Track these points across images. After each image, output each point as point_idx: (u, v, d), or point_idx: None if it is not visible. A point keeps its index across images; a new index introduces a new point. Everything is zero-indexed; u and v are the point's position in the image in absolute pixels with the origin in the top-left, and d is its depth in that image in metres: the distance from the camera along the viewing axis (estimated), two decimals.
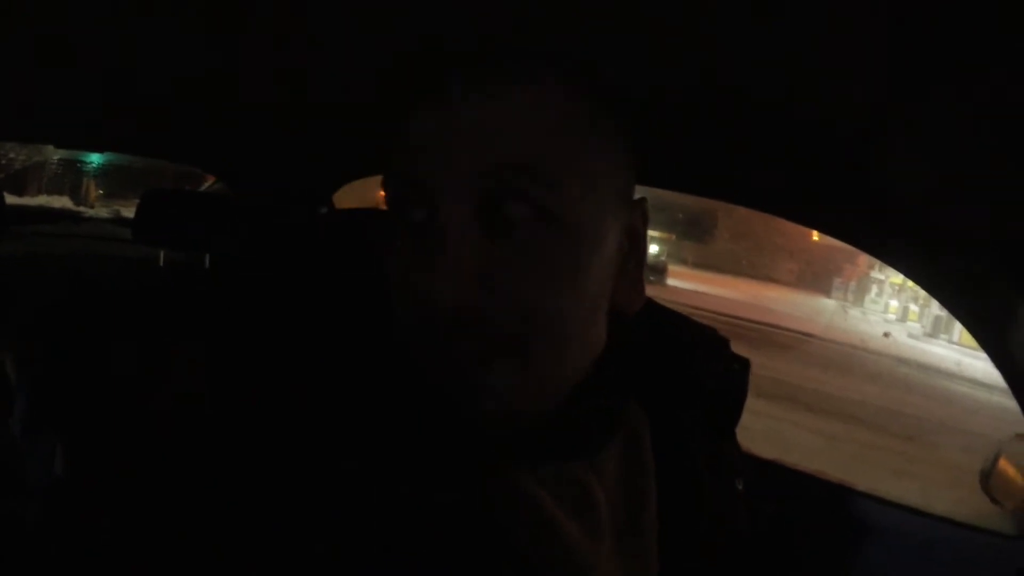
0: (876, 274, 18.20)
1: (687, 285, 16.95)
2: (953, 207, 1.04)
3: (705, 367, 0.80)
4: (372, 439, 0.63)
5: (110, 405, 1.37)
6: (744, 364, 0.82)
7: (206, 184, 3.12)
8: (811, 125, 0.97)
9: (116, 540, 0.66)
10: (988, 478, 1.42)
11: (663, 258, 20.49)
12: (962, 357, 10.45)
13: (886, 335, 14.15)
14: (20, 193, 6.07)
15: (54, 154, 6.71)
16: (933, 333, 14.10)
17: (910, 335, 14.48)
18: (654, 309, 0.81)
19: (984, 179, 0.92)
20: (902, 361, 11.24)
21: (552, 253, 0.61)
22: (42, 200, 5.85)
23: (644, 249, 0.73)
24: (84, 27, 1.19)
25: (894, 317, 17.12)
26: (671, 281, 17.61)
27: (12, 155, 6.57)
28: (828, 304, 17.98)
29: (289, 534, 0.58)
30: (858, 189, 1.11)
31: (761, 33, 0.76)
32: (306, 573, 0.58)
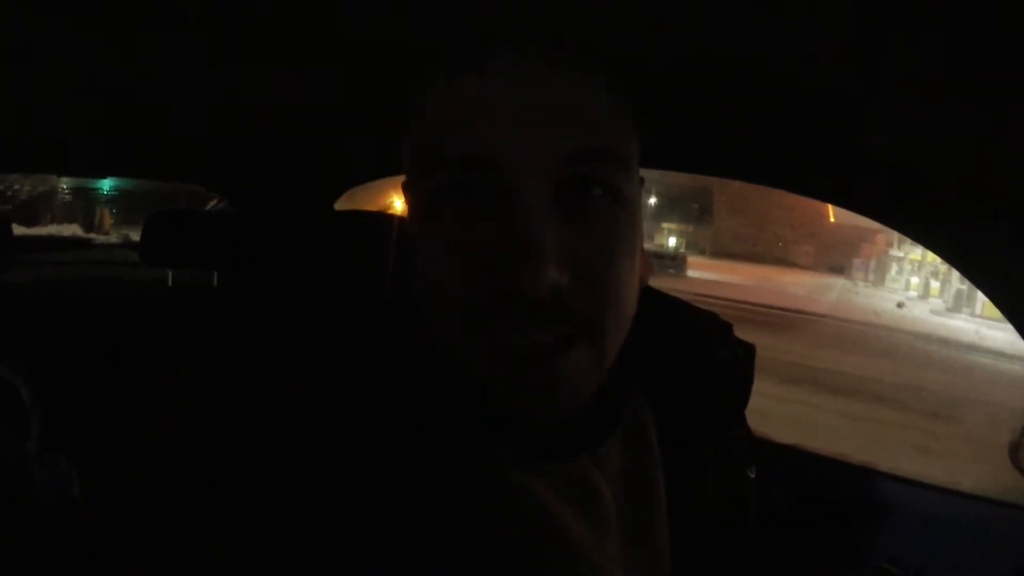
0: (895, 252, 18.10)
1: (708, 275, 16.92)
2: (963, 170, 1.02)
3: (709, 353, 0.78)
4: (372, 440, 0.62)
5: (119, 421, 1.37)
6: (749, 349, 0.81)
7: (211, 204, 3.12)
8: (808, 90, 0.96)
9: (121, 543, 0.67)
10: (1018, 449, 1.39)
11: (682, 250, 20.46)
12: (980, 328, 10.37)
13: (900, 305, 14.14)
14: (31, 223, 6.13)
15: (60, 182, 6.78)
16: (955, 308, 13.98)
17: (932, 311, 14.39)
18: (653, 296, 0.79)
19: (990, 140, 0.90)
20: (923, 337, 11.16)
21: (619, 231, 0.62)
22: (52, 229, 5.91)
23: None
24: (79, 55, 1.19)
25: (916, 294, 17.02)
26: (692, 272, 17.59)
27: (17, 186, 6.63)
28: (848, 285, 17.91)
29: (289, 534, 0.58)
30: (864, 155, 1.10)
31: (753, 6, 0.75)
32: (306, 573, 0.57)
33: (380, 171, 2.12)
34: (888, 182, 1.14)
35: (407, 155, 0.68)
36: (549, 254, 0.56)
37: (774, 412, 5.48)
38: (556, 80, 0.62)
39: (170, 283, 2.34)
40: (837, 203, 1.33)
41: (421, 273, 0.64)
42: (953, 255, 1.20)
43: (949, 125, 0.92)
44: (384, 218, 1.27)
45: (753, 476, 0.81)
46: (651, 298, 0.77)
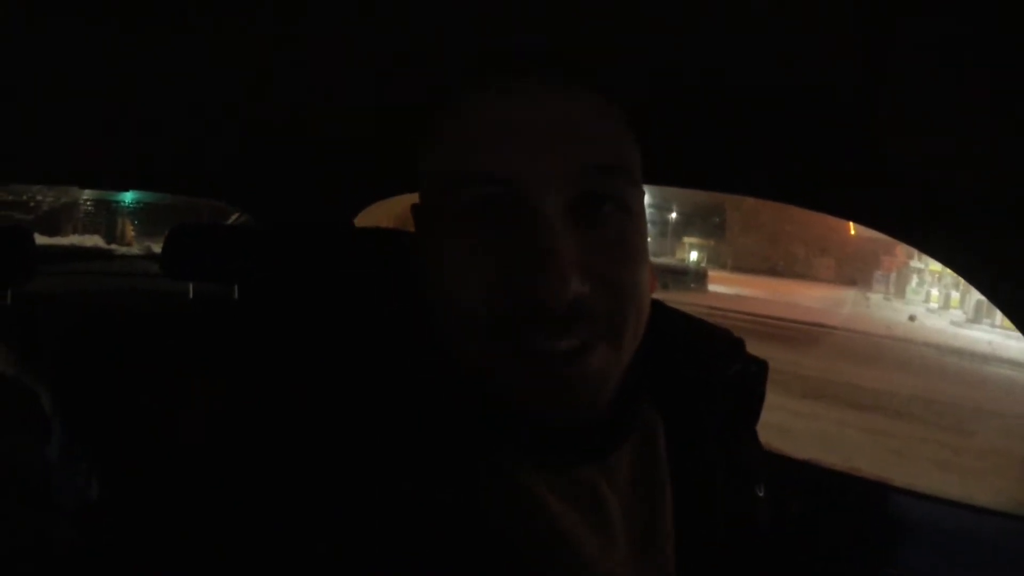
0: (915, 263, 17.94)
1: (728, 290, 16.83)
2: (964, 176, 1.02)
3: (720, 369, 0.79)
4: (378, 442, 0.63)
5: (138, 432, 1.39)
6: (762, 365, 0.81)
7: (232, 218, 3.14)
8: (806, 100, 0.96)
9: (137, 546, 0.68)
10: None
11: (703, 264, 20.36)
12: (997, 339, 10.27)
13: (912, 319, 14.09)
14: (52, 234, 6.19)
15: (82, 194, 6.84)
16: (975, 319, 13.88)
17: (952, 322, 14.28)
18: (664, 311, 0.80)
19: (992, 144, 0.90)
20: (939, 348, 11.07)
21: (631, 240, 0.64)
22: (74, 240, 5.96)
23: None
24: (104, 69, 1.21)
25: (936, 306, 16.88)
26: (712, 287, 17.49)
27: (40, 197, 6.71)
28: (860, 298, 17.77)
29: (295, 535, 0.58)
30: (864, 164, 1.10)
31: (750, 21, 0.76)
32: (309, 573, 0.58)
33: (399, 188, 2.13)
34: (887, 191, 1.14)
35: (423, 176, 0.70)
36: (569, 265, 0.58)
37: (795, 427, 5.45)
38: (564, 99, 0.64)
39: (191, 295, 2.37)
40: (837, 214, 1.33)
41: (437, 286, 0.65)
42: (955, 261, 1.20)
43: (950, 131, 0.92)
44: (403, 235, 1.29)
45: (762, 494, 0.81)
46: (659, 312, 0.77)
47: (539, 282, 0.57)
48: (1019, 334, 1.20)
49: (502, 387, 0.62)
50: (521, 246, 0.59)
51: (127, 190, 2.87)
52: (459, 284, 0.63)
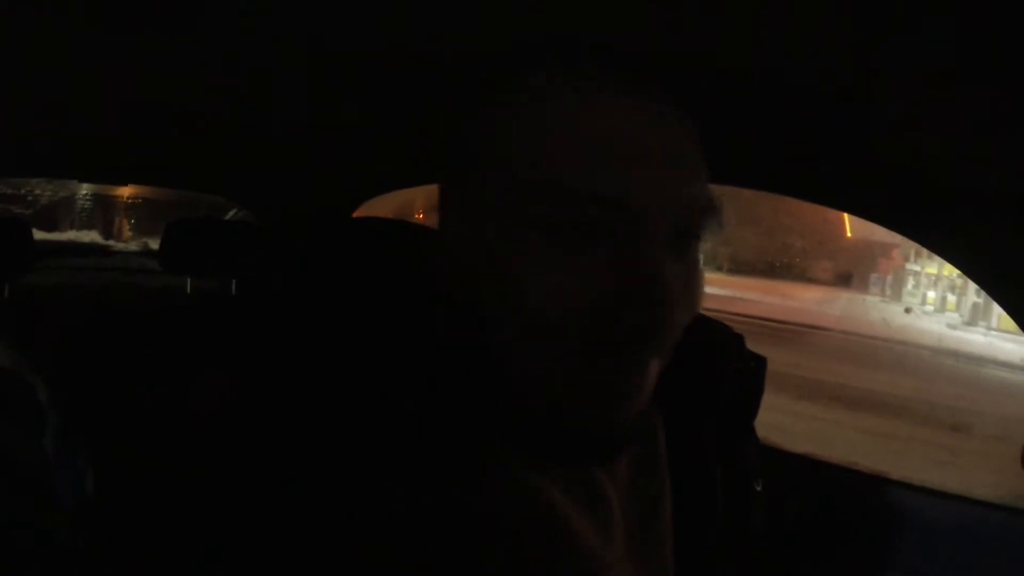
0: (912, 266, 17.94)
1: (724, 291, 16.87)
2: (963, 169, 1.02)
3: (720, 365, 0.79)
4: (386, 440, 0.62)
5: (136, 426, 1.38)
6: (761, 362, 0.81)
7: (231, 213, 3.15)
8: (805, 90, 0.96)
9: (135, 542, 0.67)
10: None
11: (702, 267, 20.33)
12: (993, 340, 10.29)
13: (908, 310, 14.13)
14: (50, 229, 6.18)
15: (80, 188, 6.84)
16: (971, 321, 13.88)
17: (949, 324, 14.28)
18: None
19: (990, 138, 0.90)
20: (934, 349, 11.08)
21: (700, 268, 0.65)
22: (71, 235, 5.95)
23: None
24: (104, 61, 1.21)
25: (932, 308, 16.89)
26: (710, 289, 17.46)
27: (38, 191, 6.70)
28: (867, 300, 17.79)
29: (294, 532, 0.58)
30: (862, 156, 1.10)
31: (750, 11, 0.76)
32: (311, 570, 0.58)
33: (399, 182, 2.13)
34: (887, 182, 1.14)
35: (493, 183, 0.65)
36: (675, 298, 0.57)
37: (792, 427, 5.47)
38: (658, 117, 0.62)
39: (189, 290, 2.37)
40: (837, 207, 1.33)
41: (511, 295, 0.62)
42: (956, 256, 1.19)
43: (948, 124, 0.92)
44: (402, 226, 1.29)
45: (760, 489, 0.81)
46: None
47: (646, 309, 0.57)
48: (1015, 337, 1.20)
49: (558, 395, 0.61)
50: (631, 271, 0.58)
51: (126, 184, 2.87)
52: (548, 298, 0.60)
